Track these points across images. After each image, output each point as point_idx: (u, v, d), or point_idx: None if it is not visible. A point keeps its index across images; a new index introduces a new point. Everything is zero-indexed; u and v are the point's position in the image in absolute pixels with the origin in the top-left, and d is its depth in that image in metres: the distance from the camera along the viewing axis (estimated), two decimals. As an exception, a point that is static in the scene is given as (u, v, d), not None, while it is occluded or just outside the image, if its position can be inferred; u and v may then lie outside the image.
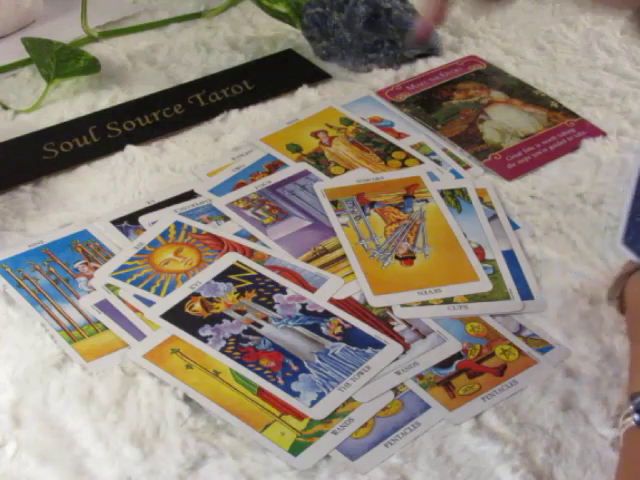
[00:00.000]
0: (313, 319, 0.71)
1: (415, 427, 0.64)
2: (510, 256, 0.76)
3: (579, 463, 0.62)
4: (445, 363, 0.68)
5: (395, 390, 0.66)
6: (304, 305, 0.72)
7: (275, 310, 0.72)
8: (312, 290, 0.73)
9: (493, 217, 0.80)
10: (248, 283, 0.74)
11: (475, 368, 0.68)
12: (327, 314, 0.71)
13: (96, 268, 0.76)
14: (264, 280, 0.74)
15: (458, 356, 0.69)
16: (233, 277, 0.74)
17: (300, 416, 0.65)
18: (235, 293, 0.73)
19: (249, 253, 0.77)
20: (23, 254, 0.78)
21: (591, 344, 0.69)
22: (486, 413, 0.65)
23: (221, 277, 0.74)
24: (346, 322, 0.71)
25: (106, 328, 0.71)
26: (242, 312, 0.72)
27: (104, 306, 0.73)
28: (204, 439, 0.64)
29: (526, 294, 0.73)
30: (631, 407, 0.57)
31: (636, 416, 0.56)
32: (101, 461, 0.63)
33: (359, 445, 0.63)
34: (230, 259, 0.76)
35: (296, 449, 0.63)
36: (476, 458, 0.62)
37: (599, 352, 0.69)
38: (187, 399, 0.66)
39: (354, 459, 0.62)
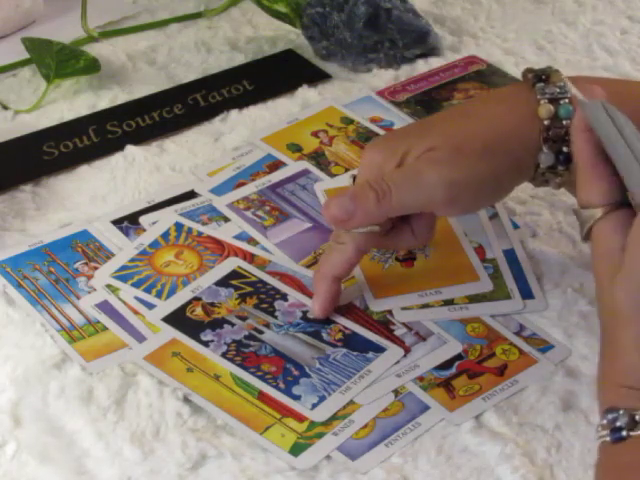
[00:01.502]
0: (314, 326, 0.71)
1: (415, 427, 0.64)
2: (511, 255, 0.76)
3: (579, 463, 0.62)
4: (445, 364, 0.68)
5: (395, 392, 0.66)
6: (305, 312, 0.72)
7: (276, 317, 0.71)
8: (313, 296, 0.72)
9: (494, 216, 0.80)
10: (249, 289, 0.74)
11: (475, 368, 0.68)
12: (328, 320, 0.71)
13: (96, 268, 0.76)
14: (265, 286, 0.74)
15: (458, 357, 0.68)
16: (234, 282, 0.74)
17: (301, 418, 0.65)
18: (236, 299, 0.73)
19: (250, 258, 0.76)
20: (23, 254, 0.77)
21: (591, 344, 0.69)
22: (486, 413, 0.65)
23: (222, 282, 0.74)
24: (347, 328, 0.71)
25: (106, 328, 0.71)
26: (243, 318, 0.71)
27: (104, 307, 0.73)
28: (204, 439, 0.64)
29: (527, 293, 0.73)
30: (604, 421, 0.54)
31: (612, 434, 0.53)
32: (101, 461, 0.63)
33: (359, 445, 0.63)
34: (231, 264, 0.76)
35: (296, 450, 0.63)
36: (476, 458, 0.62)
37: (599, 352, 0.68)
38: (187, 399, 0.66)
39: (354, 459, 0.62)
